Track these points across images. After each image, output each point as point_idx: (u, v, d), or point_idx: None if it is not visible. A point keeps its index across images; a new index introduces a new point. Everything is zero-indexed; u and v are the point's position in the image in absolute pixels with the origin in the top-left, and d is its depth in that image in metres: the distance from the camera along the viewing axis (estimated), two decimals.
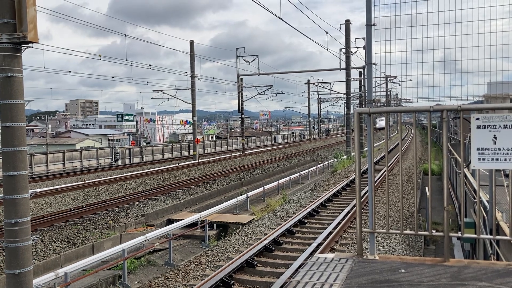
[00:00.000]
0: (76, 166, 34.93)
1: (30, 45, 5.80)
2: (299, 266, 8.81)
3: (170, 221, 14.33)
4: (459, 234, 4.38)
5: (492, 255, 6.48)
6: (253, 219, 14.34)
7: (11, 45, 5.52)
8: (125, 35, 24.53)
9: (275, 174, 25.40)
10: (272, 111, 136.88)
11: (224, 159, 35.49)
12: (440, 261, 4.01)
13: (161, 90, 38.18)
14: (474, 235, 6.27)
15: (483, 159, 3.90)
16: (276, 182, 20.20)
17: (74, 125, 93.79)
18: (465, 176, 11.10)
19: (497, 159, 3.86)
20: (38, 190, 16.41)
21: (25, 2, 5.44)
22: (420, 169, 25.23)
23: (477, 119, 3.88)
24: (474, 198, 9.25)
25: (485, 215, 7.34)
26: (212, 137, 77.81)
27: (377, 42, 6.15)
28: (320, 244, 10.61)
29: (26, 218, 5.72)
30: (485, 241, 7.26)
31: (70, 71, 28.22)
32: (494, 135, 3.84)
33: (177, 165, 31.05)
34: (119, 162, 38.33)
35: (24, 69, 5.90)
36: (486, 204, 7.41)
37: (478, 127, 3.89)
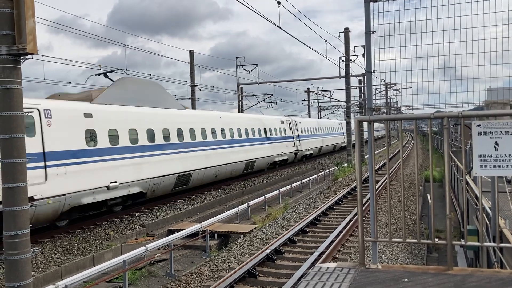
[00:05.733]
0: None
1: (29, 56, 5.81)
2: (301, 276, 8.75)
3: (171, 231, 14.26)
4: (462, 242, 4.34)
5: (496, 263, 6.42)
6: (255, 228, 14.27)
7: (10, 57, 5.52)
8: (125, 45, 24.61)
9: (276, 182, 25.32)
10: None
11: None
12: (443, 270, 3.97)
13: None
14: (477, 243, 6.21)
15: (485, 166, 3.87)
16: (277, 190, 20.13)
17: None
18: (467, 183, 11.05)
19: (499, 166, 3.83)
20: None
21: (24, 13, 5.45)
22: (422, 176, 25.16)
23: (478, 125, 3.86)
24: (476, 205, 9.19)
25: (488, 222, 7.29)
26: None
27: (377, 50, 6.16)
28: (322, 253, 10.54)
29: (25, 230, 5.69)
30: (489, 249, 7.20)
31: (70, 82, 28.33)
32: (496, 142, 3.82)
33: None
34: None
35: (24, 80, 5.90)
36: (489, 211, 7.35)
37: (480, 133, 3.87)
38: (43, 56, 19.27)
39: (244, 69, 38.02)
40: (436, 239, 4.36)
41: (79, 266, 11.04)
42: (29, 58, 5.99)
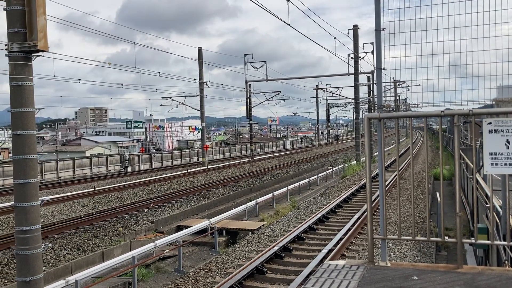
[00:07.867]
0: (86, 173, 35.14)
1: (40, 53, 5.85)
2: (310, 273, 8.75)
3: (179, 228, 14.33)
4: (472, 240, 4.31)
5: (506, 261, 6.38)
6: (263, 225, 14.29)
7: (21, 54, 5.57)
8: (134, 42, 24.69)
9: (284, 180, 25.33)
10: (281, 117, 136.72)
11: (233, 165, 35.51)
12: (453, 268, 3.95)
13: (170, 97, 38.38)
14: (487, 241, 6.17)
15: (496, 164, 3.84)
16: (286, 188, 20.13)
17: (84, 132, 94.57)
18: (477, 181, 10.96)
19: (510, 164, 3.80)
20: (48, 198, 16.45)
21: (36, 11, 5.49)
22: (431, 174, 25.01)
23: (489, 123, 3.83)
24: (486, 203, 9.13)
25: (498, 221, 7.23)
26: (220, 143, 77.92)
27: (386, 47, 6.11)
28: (330, 251, 10.53)
29: (36, 225, 5.75)
30: (499, 247, 7.15)
31: (79, 79, 28.49)
32: (507, 140, 3.78)
33: (186, 171, 31.11)
34: (129, 169, 38.48)
35: (34, 77, 5.94)
36: (499, 209, 7.30)
37: (491, 131, 3.84)
38: (53, 53, 19.40)
39: (252, 66, 37.96)
40: (446, 237, 4.34)
41: (89, 261, 11.14)
42: (40, 55, 6.04)
